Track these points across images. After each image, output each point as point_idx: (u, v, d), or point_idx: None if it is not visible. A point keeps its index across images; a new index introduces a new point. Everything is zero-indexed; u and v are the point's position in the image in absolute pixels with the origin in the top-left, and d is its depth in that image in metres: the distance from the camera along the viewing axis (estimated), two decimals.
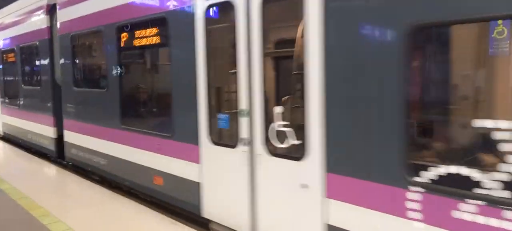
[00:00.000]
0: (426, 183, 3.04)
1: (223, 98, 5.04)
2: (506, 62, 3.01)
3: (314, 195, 3.82)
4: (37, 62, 9.74)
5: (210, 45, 4.88)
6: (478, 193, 2.80)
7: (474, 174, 2.82)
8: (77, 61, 8.09)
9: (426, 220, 3.06)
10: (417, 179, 3.09)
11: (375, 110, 3.29)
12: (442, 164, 3.00)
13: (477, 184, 2.80)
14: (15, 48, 11.09)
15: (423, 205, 3.06)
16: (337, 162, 3.62)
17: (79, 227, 5.19)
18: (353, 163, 3.49)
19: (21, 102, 10.99)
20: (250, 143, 4.45)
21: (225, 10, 4.68)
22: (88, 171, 7.98)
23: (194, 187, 5.25)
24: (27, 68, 10.64)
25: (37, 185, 7.19)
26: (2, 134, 12.87)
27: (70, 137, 8.43)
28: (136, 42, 6.19)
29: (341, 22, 3.49)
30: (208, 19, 4.84)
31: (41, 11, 9.33)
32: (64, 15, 8.23)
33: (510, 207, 2.66)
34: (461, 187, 2.86)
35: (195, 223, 5.54)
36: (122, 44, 6.49)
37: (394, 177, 3.20)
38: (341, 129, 3.56)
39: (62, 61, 8.49)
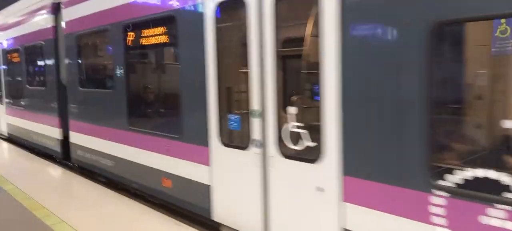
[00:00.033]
0: (451, 187, 2.91)
1: (233, 98, 4.91)
2: None
3: (330, 199, 3.69)
4: (42, 63, 9.65)
5: (220, 44, 4.75)
6: (507, 198, 2.66)
7: (503, 177, 2.68)
8: (83, 61, 7.99)
9: (451, 226, 2.92)
10: (442, 183, 2.95)
11: (396, 110, 3.15)
12: (469, 167, 2.86)
13: (507, 188, 2.67)
14: (19, 48, 11.01)
15: (448, 210, 2.93)
16: (355, 165, 3.49)
17: (83, 228, 5.16)
18: (372, 166, 3.36)
19: (26, 103, 10.91)
20: (262, 144, 4.33)
21: (236, 8, 4.56)
22: (94, 173, 7.88)
23: (204, 190, 5.14)
24: (31, 68, 10.56)
25: (41, 186, 7.15)
26: (7, 135, 12.80)
27: (76, 138, 8.34)
28: (144, 41, 6.07)
29: (360, 18, 3.36)
30: (218, 17, 4.72)
31: (46, 10, 9.24)
32: (69, 14, 8.13)
33: None
34: (489, 191, 2.73)
35: (204, 226, 5.45)
36: (129, 44, 6.37)
37: (417, 180, 3.07)
38: (360, 130, 3.43)
39: (67, 61, 8.39)
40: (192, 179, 5.34)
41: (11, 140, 12.36)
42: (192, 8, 5.04)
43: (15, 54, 11.42)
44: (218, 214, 5.01)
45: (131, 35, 6.33)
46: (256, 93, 4.32)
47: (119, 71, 6.60)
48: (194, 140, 5.25)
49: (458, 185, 2.88)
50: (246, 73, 4.42)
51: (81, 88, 7.93)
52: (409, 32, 3.03)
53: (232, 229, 4.85)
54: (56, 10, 8.87)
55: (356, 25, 3.39)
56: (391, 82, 3.17)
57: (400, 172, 3.17)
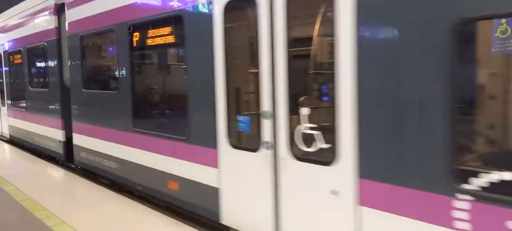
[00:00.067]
0: (476, 190, 2.79)
1: (242, 99, 4.80)
2: None
3: (345, 202, 3.57)
4: (45, 64, 9.55)
5: (229, 44, 4.64)
6: None
7: None
8: (87, 62, 7.88)
9: None
10: (466, 186, 2.84)
11: (418, 111, 3.04)
12: (495, 169, 2.75)
13: None
14: (22, 50, 10.91)
15: (473, 215, 2.81)
16: (372, 167, 3.38)
17: (84, 229, 5.13)
18: (390, 169, 3.24)
19: (28, 105, 10.80)
20: (273, 146, 4.21)
21: (246, 7, 4.46)
22: (97, 175, 7.77)
23: (212, 193, 5.02)
24: (34, 70, 10.46)
25: (41, 187, 7.12)
26: (8, 137, 12.69)
27: (79, 140, 8.23)
28: (149, 42, 5.97)
29: (377, 16, 3.25)
30: (227, 16, 4.61)
31: (49, 11, 9.14)
32: (73, 15, 8.03)
33: None
34: None
35: (206, 226, 5.42)
36: (135, 44, 6.27)
37: (439, 184, 2.95)
38: (377, 131, 3.31)
39: (71, 62, 8.28)
40: (200, 181, 5.22)
41: (13, 142, 12.25)
42: (200, 7, 4.93)
43: (18, 56, 11.32)
44: (227, 217, 4.89)
45: (136, 36, 6.23)
46: (266, 94, 4.21)
47: (124, 73, 6.49)
48: (202, 141, 5.13)
49: (484, 188, 2.76)
50: (256, 74, 4.31)
51: (84, 90, 7.82)
52: (431, 30, 2.92)
53: None
54: (59, 11, 8.77)
55: (373, 23, 3.28)
56: (411, 82, 3.06)
57: (421, 175, 3.06)
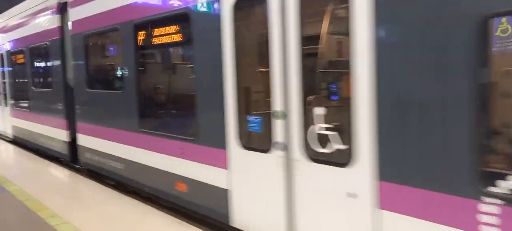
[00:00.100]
0: (504, 193, 2.67)
1: (253, 99, 4.68)
2: None
3: (364, 205, 3.46)
4: (48, 63, 9.43)
5: (238, 42, 4.52)
6: None
7: None
8: (91, 61, 7.76)
9: None
10: (493, 189, 2.72)
11: (440, 110, 2.92)
12: None
13: None
14: (24, 49, 10.80)
15: (501, 219, 2.69)
16: (392, 169, 3.26)
17: (87, 229, 5.12)
18: (412, 170, 3.12)
19: (32, 105, 10.70)
20: (286, 147, 4.10)
21: (256, 4, 4.33)
22: (104, 176, 7.67)
23: (222, 194, 4.91)
24: (37, 69, 10.35)
25: (44, 187, 7.10)
26: (12, 137, 12.61)
27: (84, 140, 8.13)
28: (156, 41, 5.85)
29: (397, 12, 3.12)
30: (237, 14, 4.49)
31: (52, 10, 9.02)
32: (76, 14, 7.91)
33: None
34: None
35: (210, 226, 5.40)
36: (140, 43, 6.15)
37: (464, 186, 2.83)
38: (397, 132, 3.19)
39: (74, 62, 8.17)
40: (209, 183, 5.11)
41: (16, 142, 12.16)
42: (208, 4, 4.81)
43: (20, 55, 11.21)
44: (237, 220, 4.78)
45: (141, 35, 6.11)
46: (279, 94, 4.09)
47: (129, 72, 6.38)
48: (211, 142, 5.02)
49: None
50: (267, 73, 4.18)
51: (89, 90, 7.71)
52: (456, 26, 2.79)
53: None
54: (62, 10, 8.65)
55: (393, 19, 3.15)
56: (434, 81, 2.93)
57: (445, 177, 2.94)
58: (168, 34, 5.57)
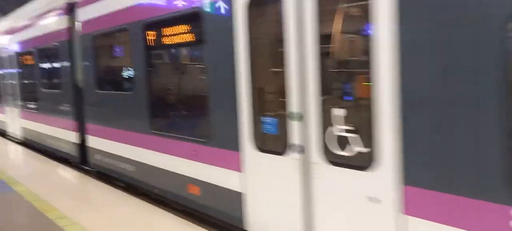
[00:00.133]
0: None
1: (268, 99, 4.56)
2: None
3: (387, 211, 3.32)
4: (57, 65, 9.38)
5: (252, 42, 4.40)
6: None
7: None
8: (100, 62, 7.69)
9: None
10: None
11: (471, 110, 2.77)
12: None
13: None
14: (33, 51, 10.77)
15: None
16: (417, 173, 3.12)
17: (96, 230, 5.12)
18: (440, 175, 2.98)
19: (41, 106, 10.67)
20: (303, 149, 3.97)
21: (271, 1, 4.21)
22: (113, 178, 7.60)
23: (235, 198, 4.80)
24: (46, 71, 10.31)
25: (53, 188, 7.11)
26: (21, 138, 12.61)
27: (93, 142, 8.06)
28: (166, 41, 5.75)
29: (422, 8, 2.98)
30: (250, 12, 4.36)
31: (60, 11, 8.96)
32: (85, 15, 7.84)
33: None
34: None
35: (215, 226, 5.40)
36: (150, 43, 6.05)
37: (496, 191, 2.69)
38: (423, 134, 3.05)
39: (83, 63, 8.10)
40: (222, 185, 5.01)
41: (25, 143, 12.16)
42: (221, 3, 4.69)
43: (29, 57, 11.19)
44: (252, 223, 4.67)
45: (152, 35, 6.01)
46: (295, 94, 3.96)
47: (139, 73, 6.28)
48: (224, 144, 4.91)
49: None
50: (283, 73, 4.06)
51: (98, 91, 7.63)
52: (489, 22, 2.64)
53: None
54: (70, 10, 8.59)
55: (418, 17, 3.01)
56: (464, 80, 2.79)
57: (475, 181, 2.79)
58: (179, 34, 5.46)
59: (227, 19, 4.59)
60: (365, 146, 3.46)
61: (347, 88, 3.77)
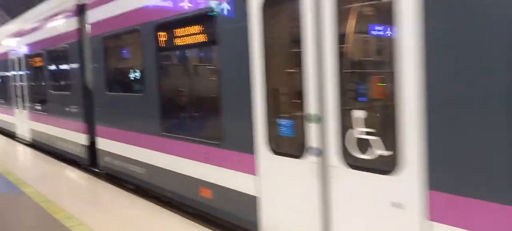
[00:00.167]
0: None
1: (283, 101, 4.45)
2: None
3: (411, 216, 3.20)
4: (66, 66, 9.35)
5: (268, 42, 4.30)
6: None
7: None
8: (110, 64, 7.63)
9: None
10: None
11: (503, 111, 2.64)
12: None
13: None
14: (42, 52, 10.76)
15: None
16: (444, 177, 2.99)
17: (103, 230, 5.12)
18: (467, 179, 2.85)
19: (50, 108, 10.65)
20: (321, 152, 3.86)
21: (287, 0, 4.11)
22: (123, 180, 7.53)
23: (250, 202, 4.69)
24: (55, 72, 10.29)
25: (61, 189, 7.14)
26: (30, 140, 12.61)
27: (103, 144, 8.00)
28: (178, 41, 5.66)
29: (450, 5, 2.86)
30: (265, 12, 4.26)
31: (70, 12, 8.94)
32: (95, 16, 7.79)
33: None
34: None
35: (220, 226, 5.38)
36: (162, 44, 5.97)
37: None
38: (450, 136, 2.92)
39: (93, 64, 8.05)
40: (236, 189, 4.90)
41: (34, 145, 12.15)
42: (235, 3, 4.60)
43: (38, 59, 11.19)
44: (266, 228, 4.56)
45: (163, 35, 5.94)
46: (313, 96, 3.85)
47: (151, 74, 6.21)
48: (238, 146, 4.81)
49: None
50: (300, 73, 3.95)
51: (108, 93, 7.58)
52: None
53: None
54: (80, 12, 8.55)
55: (446, 13, 2.89)
56: (495, 80, 2.66)
57: (506, 187, 2.66)
58: (191, 35, 5.38)
59: (241, 19, 4.50)
60: (388, 149, 3.34)
61: (368, 89, 3.65)
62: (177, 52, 6.07)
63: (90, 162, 8.72)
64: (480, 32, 2.71)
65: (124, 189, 7.10)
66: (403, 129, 3.17)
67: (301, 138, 4.03)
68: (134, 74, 7.04)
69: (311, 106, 3.89)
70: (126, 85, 7.26)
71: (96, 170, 8.48)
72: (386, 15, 3.25)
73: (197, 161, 5.48)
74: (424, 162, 3.08)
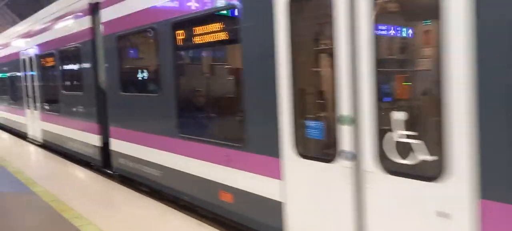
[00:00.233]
0: None
1: (313, 101, 4.22)
2: None
3: (459, 227, 2.94)
4: (79, 66, 9.19)
5: (295, 39, 4.07)
6: None
7: None
8: (125, 63, 7.44)
9: None
10: None
11: None
12: None
13: None
14: (54, 52, 10.63)
15: None
16: (496, 185, 2.74)
17: (111, 230, 5.11)
18: None
19: (62, 109, 10.51)
20: (354, 156, 3.61)
21: None
22: (137, 182, 7.35)
23: (275, 207, 4.46)
24: (67, 72, 10.14)
25: (70, 189, 7.11)
26: (41, 141, 12.50)
27: (117, 145, 7.82)
28: (197, 40, 5.45)
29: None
30: (292, 8, 4.03)
31: (83, 11, 8.77)
32: (108, 15, 7.61)
33: None
34: None
35: (225, 226, 5.37)
36: (180, 43, 5.77)
37: None
38: (506, 140, 2.67)
39: (107, 64, 7.88)
40: (259, 194, 4.67)
41: (46, 146, 12.04)
42: None
43: (50, 59, 11.05)
44: None
45: (181, 34, 5.73)
46: (346, 96, 3.61)
47: (167, 74, 6.00)
48: (262, 149, 4.58)
49: None
50: (331, 72, 3.71)
51: (122, 93, 7.39)
52: None
53: None
54: (93, 11, 8.38)
55: (501, 3, 2.64)
56: None
57: None
58: (211, 32, 5.16)
59: (267, 16, 4.27)
60: (432, 154, 3.09)
61: (409, 89, 3.40)
62: (196, 51, 5.85)
63: (103, 164, 8.55)
64: None
65: (135, 190, 6.97)
66: (451, 131, 2.92)
67: (332, 141, 3.79)
68: (149, 74, 6.85)
69: (343, 107, 3.65)
70: (141, 85, 7.06)
71: (109, 172, 8.31)
72: (431, 8, 3.00)
73: (217, 163, 5.26)
74: (475, 168, 2.82)
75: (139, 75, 7.14)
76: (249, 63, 4.64)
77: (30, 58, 12.77)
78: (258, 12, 4.40)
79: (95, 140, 8.68)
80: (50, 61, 11.07)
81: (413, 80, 3.41)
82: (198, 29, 5.36)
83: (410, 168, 3.23)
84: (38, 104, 12.48)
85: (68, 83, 10.15)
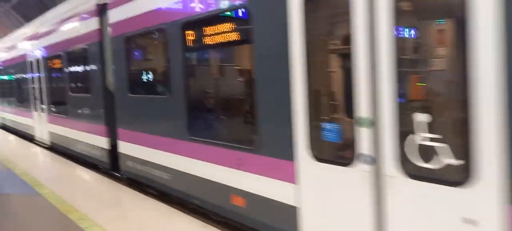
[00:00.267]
0: None
1: (329, 103, 4.10)
2: None
3: None
4: (86, 68, 9.13)
5: (310, 39, 3.95)
6: None
7: None
8: (133, 65, 7.36)
9: None
10: None
11: None
12: None
13: None
14: (61, 54, 10.58)
15: None
16: None
17: None
18: None
19: (69, 111, 10.46)
20: (374, 160, 3.49)
21: None
22: (145, 185, 7.26)
23: (289, 212, 4.34)
24: (75, 74, 10.09)
25: (76, 191, 7.11)
26: (49, 143, 12.47)
27: (125, 148, 7.74)
28: (208, 40, 5.34)
29: None
30: (307, 7, 3.92)
31: (90, 12, 8.71)
32: (116, 15, 7.54)
33: None
34: None
35: (228, 226, 5.37)
36: (190, 44, 5.67)
37: None
38: None
39: (115, 65, 7.80)
40: (272, 198, 4.56)
41: (53, 148, 12.00)
42: None
43: (57, 60, 11.01)
44: None
45: (191, 35, 5.63)
46: (365, 97, 3.49)
47: (177, 75, 5.91)
48: (275, 152, 4.46)
49: None
50: (349, 72, 3.59)
51: (131, 95, 7.31)
52: None
53: None
54: (100, 12, 8.31)
55: None
56: None
57: None
58: (223, 33, 5.05)
59: (280, 15, 4.16)
60: (458, 158, 2.96)
61: (433, 89, 3.27)
62: (206, 52, 5.75)
63: (111, 166, 8.47)
64: None
65: (142, 192, 6.92)
66: (479, 134, 2.79)
67: (349, 144, 3.67)
68: (159, 76, 6.75)
69: (362, 109, 3.53)
70: (150, 87, 6.97)
71: (117, 174, 8.23)
72: (457, 6, 2.87)
73: (229, 167, 5.15)
74: (504, 172, 2.69)
75: (148, 77, 7.05)
76: (262, 64, 4.53)
77: (37, 60, 12.75)
78: (271, 12, 4.29)
79: (103, 142, 8.61)
80: (57, 63, 11.02)
81: (436, 80, 3.28)
82: (208, 30, 5.26)
83: (434, 172, 3.10)
84: (45, 106, 12.44)
85: (75, 85, 10.09)
